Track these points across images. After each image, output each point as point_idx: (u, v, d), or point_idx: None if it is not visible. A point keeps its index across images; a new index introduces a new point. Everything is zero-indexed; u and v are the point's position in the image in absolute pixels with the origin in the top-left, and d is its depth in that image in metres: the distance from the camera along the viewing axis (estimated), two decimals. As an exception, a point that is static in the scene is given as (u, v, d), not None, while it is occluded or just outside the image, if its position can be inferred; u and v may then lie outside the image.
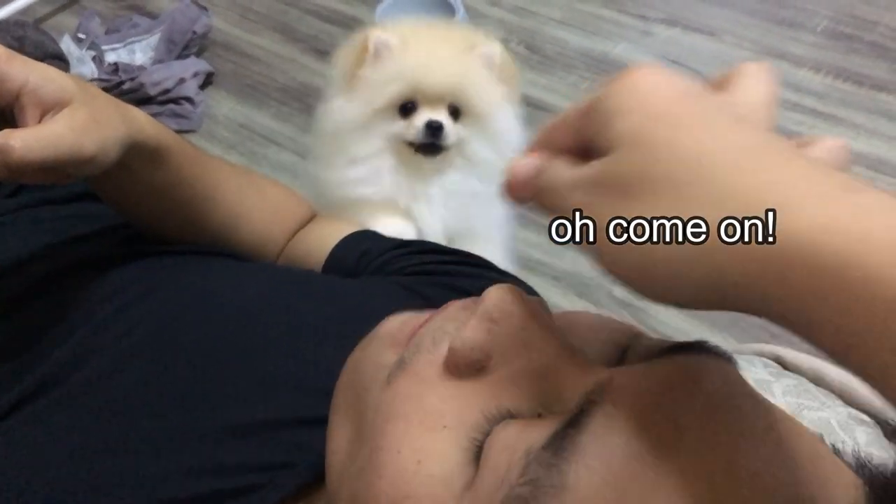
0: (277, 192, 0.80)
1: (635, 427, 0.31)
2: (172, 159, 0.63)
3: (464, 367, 0.37)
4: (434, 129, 1.05)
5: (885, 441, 0.62)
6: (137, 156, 0.58)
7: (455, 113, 1.09)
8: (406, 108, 1.08)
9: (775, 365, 0.74)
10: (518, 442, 0.33)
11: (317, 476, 0.47)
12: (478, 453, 0.34)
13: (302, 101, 1.80)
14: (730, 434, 0.31)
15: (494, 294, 0.38)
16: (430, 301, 0.63)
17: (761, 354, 0.76)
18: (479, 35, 1.14)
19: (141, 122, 0.59)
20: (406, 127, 1.07)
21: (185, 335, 0.57)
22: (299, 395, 0.54)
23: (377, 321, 0.44)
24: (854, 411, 0.65)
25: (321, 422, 0.44)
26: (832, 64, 1.78)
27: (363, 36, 1.07)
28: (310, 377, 0.55)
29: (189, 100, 1.76)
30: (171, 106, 1.75)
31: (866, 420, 0.64)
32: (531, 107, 1.75)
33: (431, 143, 1.07)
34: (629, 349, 0.39)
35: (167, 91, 1.76)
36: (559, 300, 1.36)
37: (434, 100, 1.07)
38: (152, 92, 1.74)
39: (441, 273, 0.65)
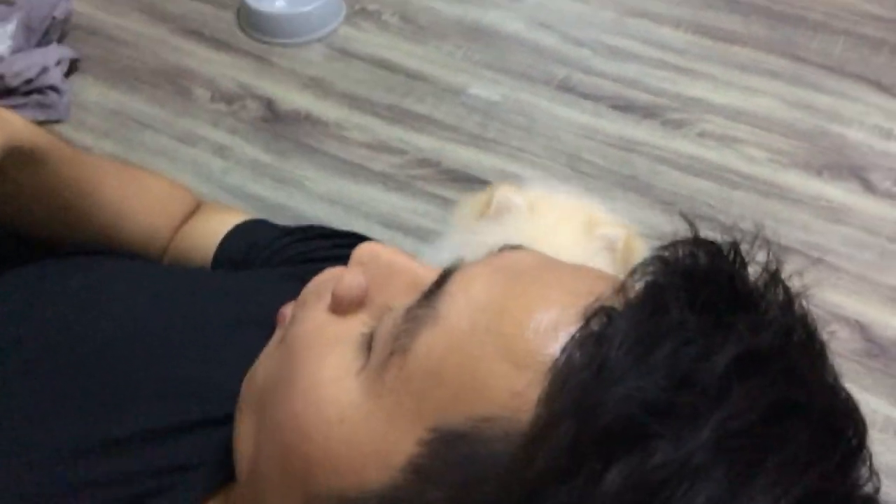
0: (160, 186, 0.80)
1: (484, 271, 0.40)
2: (49, 161, 0.62)
3: (347, 304, 0.44)
4: None
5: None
6: (14, 161, 0.58)
7: None
8: None
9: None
10: (399, 310, 0.41)
11: (227, 474, 0.49)
12: (370, 342, 0.41)
13: (175, 83, 1.76)
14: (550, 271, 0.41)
15: (362, 245, 0.46)
16: None
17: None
18: (606, 215, 1.03)
19: (16, 125, 0.58)
20: None
21: (79, 345, 0.57)
22: (198, 397, 0.56)
23: (270, 317, 0.48)
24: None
25: (224, 421, 0.47)
26: (690, 20, 1.87)
27: (490, 190, 0.97)
28: (209, 380, 0.57)
29: (54, 89, 1.69)
30: (36, 96, 1.68)
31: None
32: (409, 77, 1.78)
33: None
34: None
35: (30, 81, 1.68)
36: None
37: None
38: (14, 83, 1.66)
39: (332, 259, 0.67)
